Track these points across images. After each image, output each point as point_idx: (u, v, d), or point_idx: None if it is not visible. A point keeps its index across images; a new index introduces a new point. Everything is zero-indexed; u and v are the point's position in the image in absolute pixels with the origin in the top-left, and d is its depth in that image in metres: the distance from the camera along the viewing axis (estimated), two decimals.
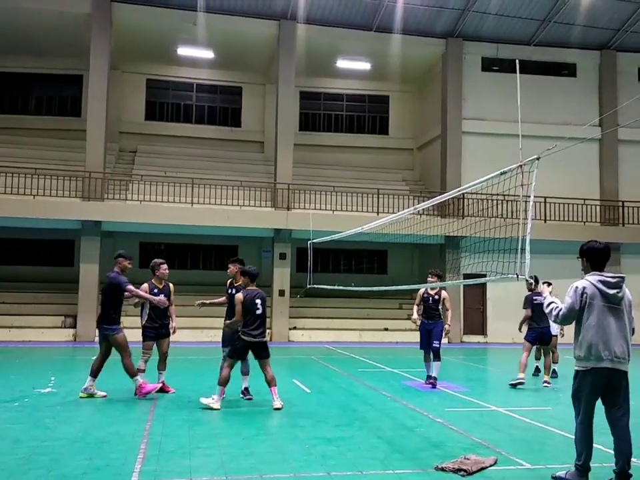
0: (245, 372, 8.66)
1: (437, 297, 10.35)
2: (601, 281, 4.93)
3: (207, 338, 19.29)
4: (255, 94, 25.36)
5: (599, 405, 5.00)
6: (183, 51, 22.92)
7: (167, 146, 23.92)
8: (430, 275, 10.36)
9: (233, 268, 8.77)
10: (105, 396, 8.59)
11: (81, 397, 8.50)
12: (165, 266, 9.03)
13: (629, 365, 4.92)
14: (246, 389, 8.72)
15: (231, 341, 8.20)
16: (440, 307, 10.41)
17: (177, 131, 24.56)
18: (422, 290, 10.48)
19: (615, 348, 4.84)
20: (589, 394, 4.90)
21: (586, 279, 5.02)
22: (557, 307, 5.07)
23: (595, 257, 5.03)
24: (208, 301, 9.16)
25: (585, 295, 4.91)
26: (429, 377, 10.40)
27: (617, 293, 4.91)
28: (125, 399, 8.59)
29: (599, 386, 4.88)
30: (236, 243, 23.31)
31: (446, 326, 10.38)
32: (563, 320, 5.04)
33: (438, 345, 10.18)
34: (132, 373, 8.54)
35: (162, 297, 8.71)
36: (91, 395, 8.58)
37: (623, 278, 4.97)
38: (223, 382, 7.89)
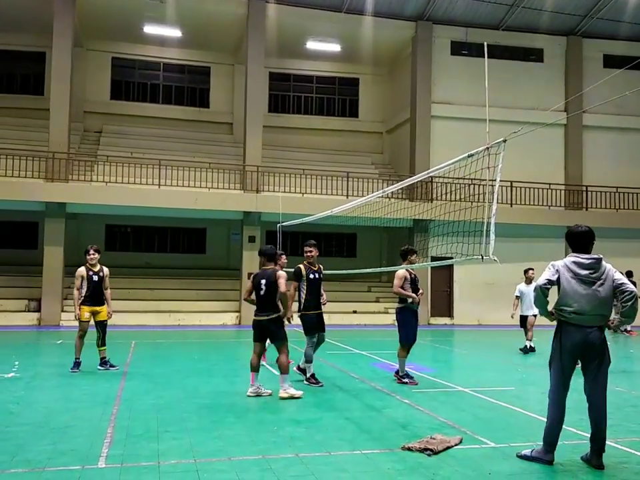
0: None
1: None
2: (574, 262, 5.14)
3: (174, 322, 19.19)
4: (223, 74, 24.98)
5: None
6: (150, 29, 22.41)
7: (133, 126, 23.44)
8: (416, 255, 8.92)
9: (315, 251, 9.17)
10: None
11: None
12: (284, 256, 9.32)
13: (602, 324, 5.04)
14: (312, 374, 8.95)
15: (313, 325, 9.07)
16: None
17: (143, 111, 24.07)
18: (404, 272, 8.76)
19: (586, 309, 4.98)
20: (561, 356, 5.10)
21: (563, 260, 5.25)
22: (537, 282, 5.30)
23: (570, 240, 5.32)
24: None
25: (557, 272, 5.16)
26: (407, 375, 8.88)
27: (590, 274, 5.06)
28: (92, 383, 8.48)
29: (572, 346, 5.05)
30: (204, 225, 23.12)
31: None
32: (542, 289, 5.13)
33: None
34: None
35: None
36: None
37: (597, 260, 5.10)
38: (256, 366, 8.05)
